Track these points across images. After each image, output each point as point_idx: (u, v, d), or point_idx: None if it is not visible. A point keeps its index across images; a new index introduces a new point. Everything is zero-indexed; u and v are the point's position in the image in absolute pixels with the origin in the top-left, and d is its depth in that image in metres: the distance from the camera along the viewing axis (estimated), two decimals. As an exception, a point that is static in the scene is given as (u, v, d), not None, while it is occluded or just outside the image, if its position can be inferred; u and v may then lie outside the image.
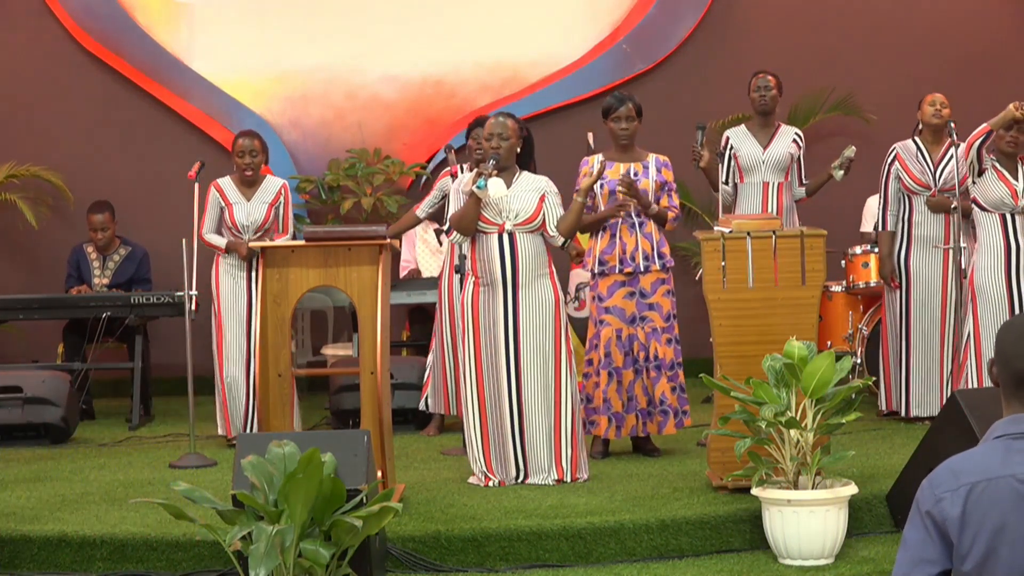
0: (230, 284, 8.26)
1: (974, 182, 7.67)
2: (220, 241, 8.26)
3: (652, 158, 7.55)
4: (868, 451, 7.29)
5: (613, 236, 7.43)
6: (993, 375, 2.94)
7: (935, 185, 8.14)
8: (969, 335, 7.58)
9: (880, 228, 8.29)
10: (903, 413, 8.25)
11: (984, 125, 7.60)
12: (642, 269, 7.43)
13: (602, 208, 7.44)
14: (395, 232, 8.36)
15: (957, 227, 7.99)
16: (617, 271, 7.42)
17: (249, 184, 8.32)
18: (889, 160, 8.25)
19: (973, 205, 7.70)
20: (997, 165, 7.64)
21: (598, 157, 7.53)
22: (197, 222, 7.94)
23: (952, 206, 7.94)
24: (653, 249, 7.45)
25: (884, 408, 8.40)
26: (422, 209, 8.43)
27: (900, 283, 8.23)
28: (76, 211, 10.23)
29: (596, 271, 7.46)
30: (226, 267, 8.29)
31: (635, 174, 7.46)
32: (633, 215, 7.43)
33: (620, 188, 7.36)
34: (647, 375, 7.43)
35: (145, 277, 9.55)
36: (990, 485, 2.77)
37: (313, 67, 10.66)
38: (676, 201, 7.56)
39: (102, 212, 9.54)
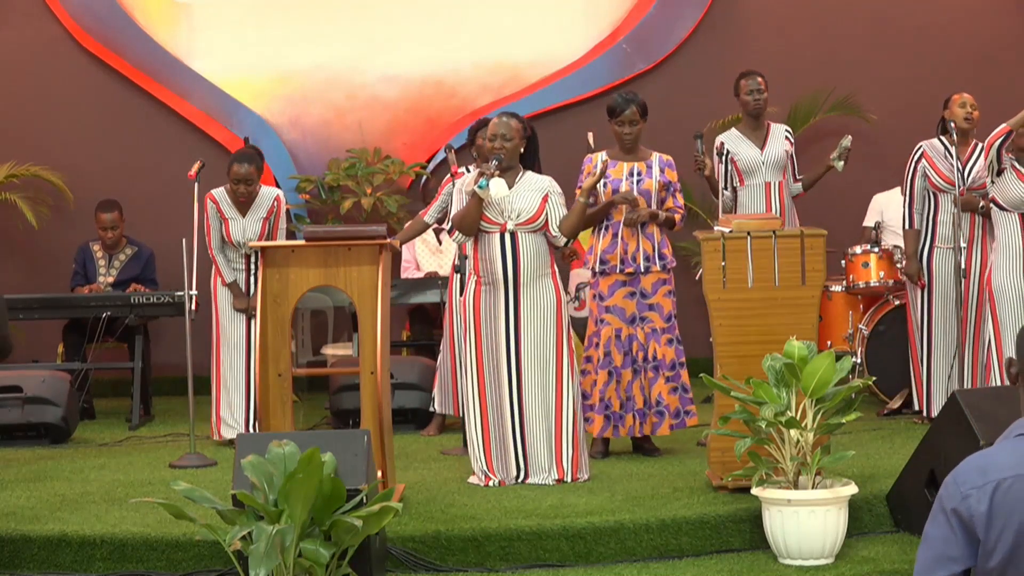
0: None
1: (993, 182, 7.65)
2: (227, 275, 8.26)
3: (656, 157, 7.54)
4: (868, 451, 7.29)
5: (615, 236, 7.43)
6: (1012, 374, 2.93)
7: (963, 184, 8.08)
8: (990, 337, 7.56)
9: (906, 226, 8.23)
10: (925, 413, 8.18)
11: (1004, 125, 7.58)
12: (643, 270, 7.43)
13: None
14: (404, 238, 8.32)
15: (957, 227, 7.97)
16: (618, 271, 7.42)
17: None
18: (915, 158, 8.16)
19: (992, 205, 7.68)
20: (1016, 164, 7.62)
21: (602, 155, 7.53)
22: (197, 224, 7.92)
23: (980, 205, 7.89)
24: (654, 250, 7.45)
25: (919, 408, 8.27)
26: (430, 215, 8.33)
27: (924, 282, 8.16)
28: (76, 211, 10.23)
29: (597, 269, 7.46)
30: (228, 269, 8.30)
31: (639, 174, 7.46)
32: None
33: (627, 205, 7.38)
34: (645, 375, 7.43)
35: (151, 278, 9.55)
36: (1017, 482, 2.77)
37: (313, 67, 10.66)
38: (681, 201, 7.58)
39: (111, 211, 9.55)
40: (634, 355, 7.42)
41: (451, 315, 8.19)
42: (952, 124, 7.98)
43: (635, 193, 7.44)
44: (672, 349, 7.47)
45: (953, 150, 7.93)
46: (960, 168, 8.05)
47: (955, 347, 8.06)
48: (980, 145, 7.86)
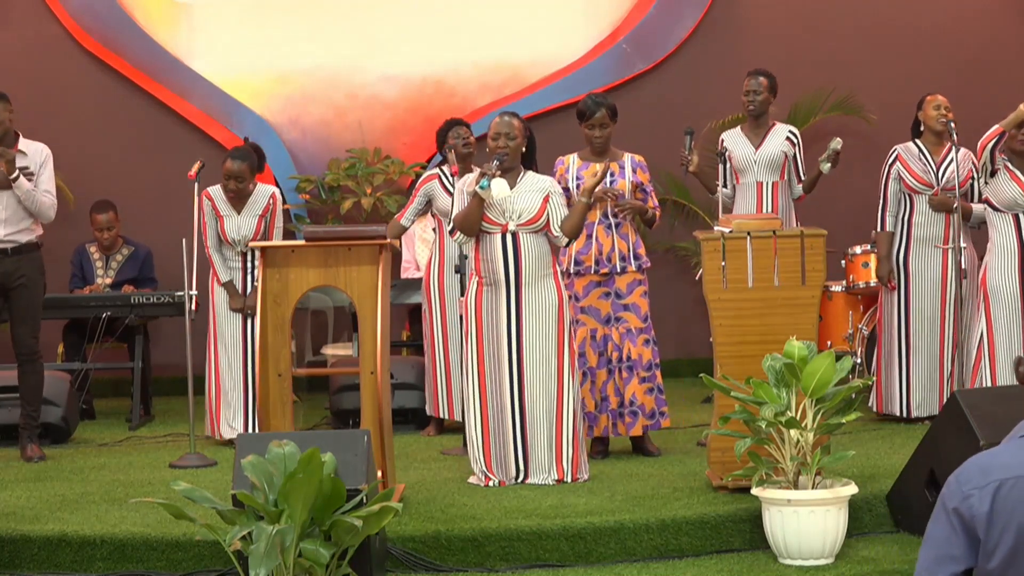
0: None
1: (986, 183, 7.68)
2: (222, 274, 8.25)
3: (628, 158, 7.56)
4: (868, 451, 7.29)
5: (589, 237, 7.44)
6: (1020, 374, 2.93)
7: (938, 184, 8.13)
8: (982, 336, 7.58)
9: (879, 228, 8.30)
10: (901, 414, 8.22)
11: (996, 127, 7.61)
12: (618, 270, 7.44)
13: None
14: None
15: (957, 227, 8.00)
16: (593, 271, 7.43)
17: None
18: (890, 161, 8.25)
19: (985, 206, 7.71)
20: (1009, 165, 7.64)
21: (573, 157, 7.54)
22: (197, 224, 7.92)
23: (954, 206, 7.95)
24: (629, 250, 7.46)
25: (875, 409, 8.37)
26: (406, 217, 8.31)
27: (898, 283, 8.22)
28: (77, 211, 10.23)
29: (572, 271, 7.47)
30: (223, 268, 8.30)
31: (611, 174, 7.47)
32: (609, 215, 7.45)
33: (615, 204, 7.38)
34: (619, 375, 7.44)
35: (149, 276, 9.55)
36: (1018, 483, 2.77)
37: (313, 67, 10.66)
38: (656, 201, 7.62)
39: (106, 211, 9.56)
40: (608, 355, 7.44)
41: (431, 316, 8.19)
42: (952, 124, 8.01)
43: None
44: (649, 349, 7.47)
45: (954, 152, 7.97)
46: (934, 169, 8.12)
47: (936, 347, 8.13)
48: (959, 147, 7.90)
